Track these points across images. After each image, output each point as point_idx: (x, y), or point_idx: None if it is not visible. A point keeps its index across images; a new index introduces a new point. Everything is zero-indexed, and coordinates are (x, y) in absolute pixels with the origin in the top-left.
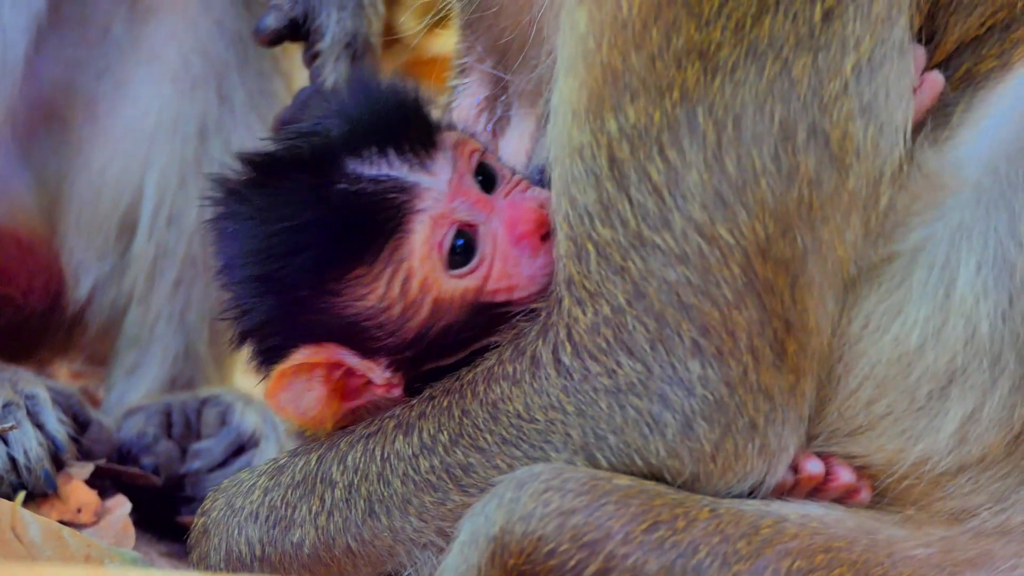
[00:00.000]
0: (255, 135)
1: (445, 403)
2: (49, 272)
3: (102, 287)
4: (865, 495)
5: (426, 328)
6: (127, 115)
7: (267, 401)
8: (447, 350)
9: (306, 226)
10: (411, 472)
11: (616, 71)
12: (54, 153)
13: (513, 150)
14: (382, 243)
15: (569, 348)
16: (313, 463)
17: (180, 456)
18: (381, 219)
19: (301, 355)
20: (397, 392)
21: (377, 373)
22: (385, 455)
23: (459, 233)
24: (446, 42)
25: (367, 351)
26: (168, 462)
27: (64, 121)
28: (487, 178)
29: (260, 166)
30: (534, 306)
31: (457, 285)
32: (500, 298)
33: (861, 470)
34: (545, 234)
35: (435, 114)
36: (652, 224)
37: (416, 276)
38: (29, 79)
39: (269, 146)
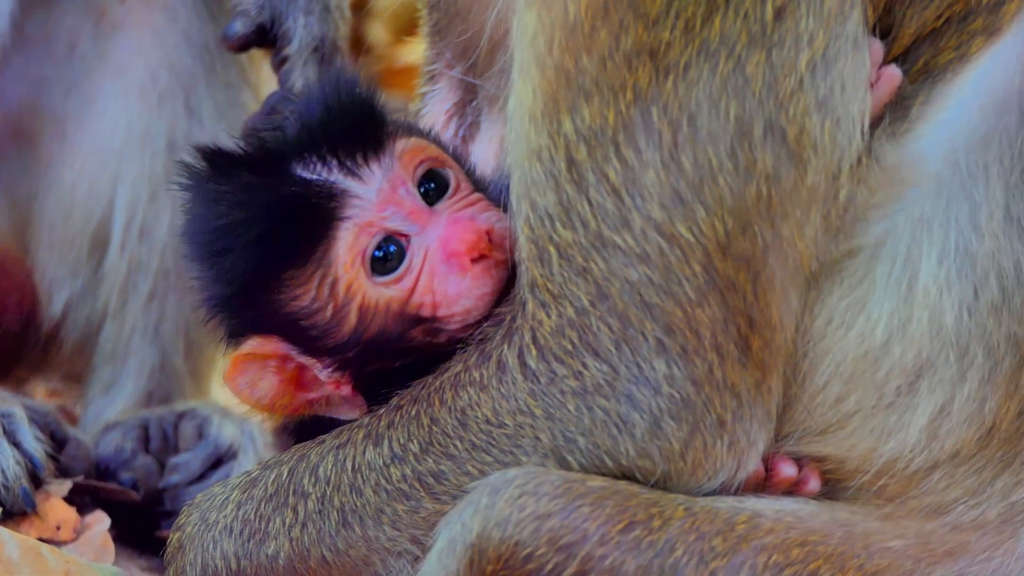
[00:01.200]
0: None
1: (413, 411)
2: (22, 291)
3: (76, 303)
4: (814, 484)
5: (358, 332)
6: (96, 131)
7: (224, 383)
8: (387, 355)
9: (243, 223)
10: (383, 482)
11: (569, 73)
12: (23, 171)
13: (483, 155)
14: (311, 247)
15: (535, 351)
16: (285, 475)
17: (158, 470)
18: (310, 223)
19: (250, 345)
20: (347, 390)
21: (321, 370)
22: (356, 466)
23: (389, 240)
24: (417, 51)
25: (309, 348)
26: (146, 477)
27: (32, 139)
28: (440, 189)
29: (212, 160)
30: (499, 310)
31: (382, 293)
32: (426, 312)
33: (834, 469)
34: (479, 256)
35: (390, 119)
36: (612, 224)
37: (342, 281)
38: None
39: (227, 142)
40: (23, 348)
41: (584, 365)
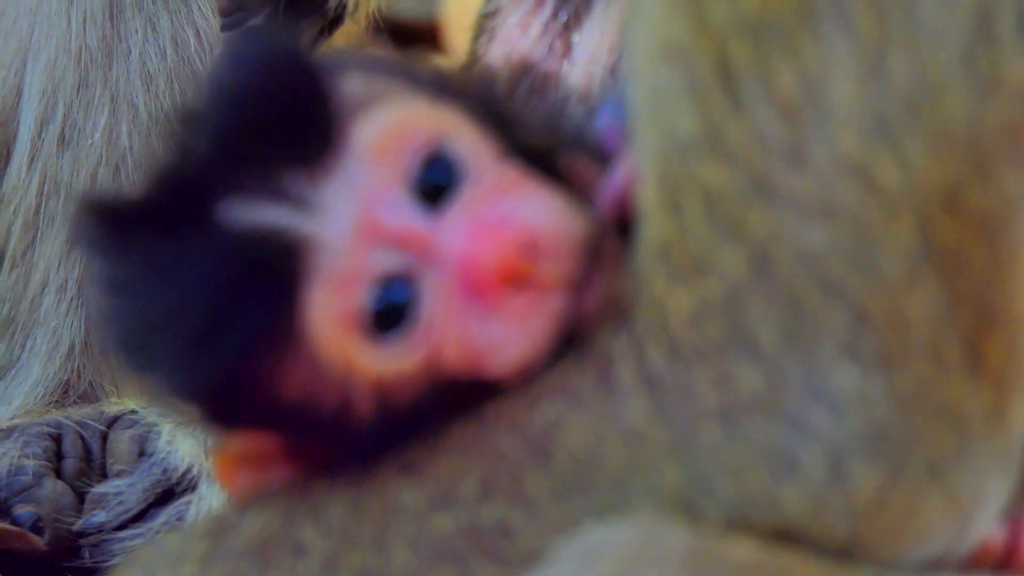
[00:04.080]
0: (191, 13)
1: (468, 435)
2: None
3: None
4: None
5: (379, 418)
6: None
7: (223, 487)
8: (428, 424)
9: (171, 314)
10: (422, 534)
11: None
12: None
13: (592, 54)
14: (275, 327)
15: (660, 348)
16: (276, 521)
17: (75, 504)
18: (264, 295)
19: (240, 444)
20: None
21: (336, 455)
22: (384, 510)
23: (385, 287)
24: None
25: (320, 438)
26: (56, 513)
27: None
28: (450, 174)
29: (108, 223)
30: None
31: (392, 363)
32: (462, 375)
33: None
34: (518, 278)
35: (346, 89)
36: (782, 161)
37: (333, 361)
38: None
39: (124, 191)
40: None
41: (734, 370)
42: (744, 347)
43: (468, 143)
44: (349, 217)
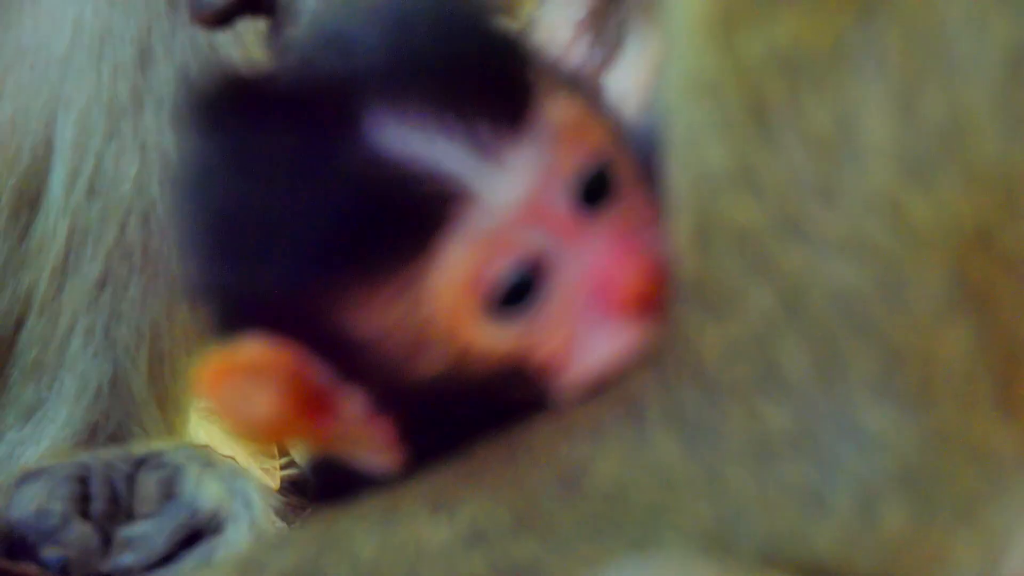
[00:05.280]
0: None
1: (500, 472)
2: None
3: None
4: None
5: (441, 382)
6: (27, 30)
7: (201, 390)
8: (463, 408)
9: (291, 210)
10: (455, 571)
11: None
12: None
13: (626, 89)
14: (398, 262)
15: (691, 385)
16: (307, 562)
17: (102, 546)
18: (403, 228)
19: (257, 348)
20: (386, 434)
21: (354, 400)
22: (415, 548)
23: (524, 267)
24: None
25: (350, 374)
26: (83, 556)
27: None
28: (599, 189)
29: (237, 98)
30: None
31: (496, 340)
32: (546, 372)
33: None
34: (642, 302)
35: (541, 67)
36: (814, 198)
37: (439, 317)
38: None
39: (267, 66)
40: None
41: (764, 408)
42: (775, 385)
43: (621, 159)
44: (524, 187)
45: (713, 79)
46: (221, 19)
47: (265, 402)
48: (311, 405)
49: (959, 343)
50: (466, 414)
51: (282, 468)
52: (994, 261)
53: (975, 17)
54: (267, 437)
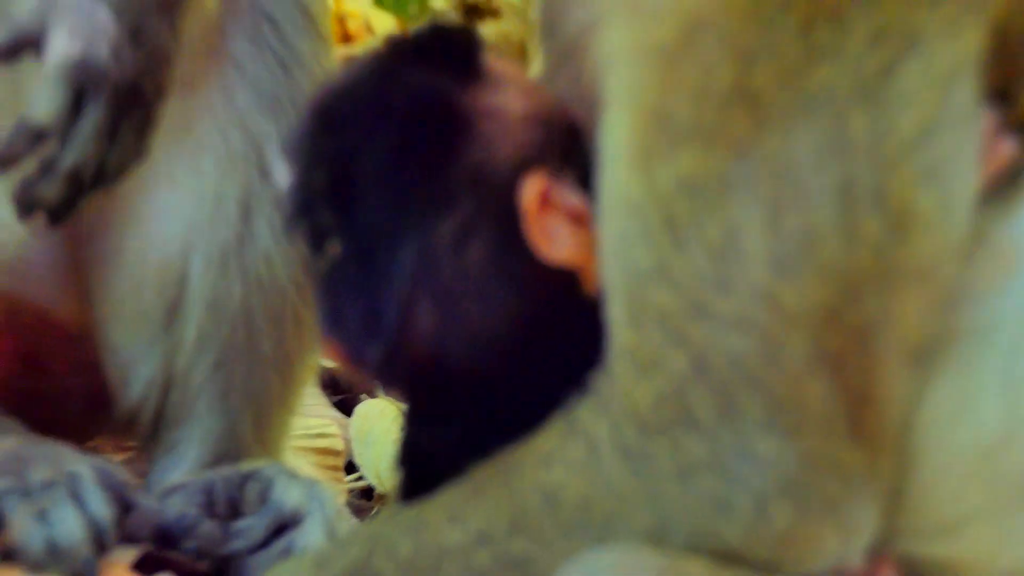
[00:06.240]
0: None
1: (498, 491)
2: (92, 369)
3: (151, 382)
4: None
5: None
6: (164, 196)
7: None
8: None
9: None
10: (467, 565)
11: (661, 114)
12: (89, 237)
13: None
14: None
15: (629, 426)
16: (360, 555)
17: (222, 537)
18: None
19: (535, 186)
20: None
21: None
22: (439, 548)
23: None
24: None
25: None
26: (210, 544)
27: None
28: None
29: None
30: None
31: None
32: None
33: (952, 572)
34: None
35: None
36: (712, 289)
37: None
38: None
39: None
40: (92, 422)
41: (683, 441)
42: (690, 424)
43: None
44: None
45: (637, 199)
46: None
47: (565, 231)
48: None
49: (821, 390)
50: None
51: (352, 481)
52: (842, 332)
53: (820, 157)
54: (588, 265)
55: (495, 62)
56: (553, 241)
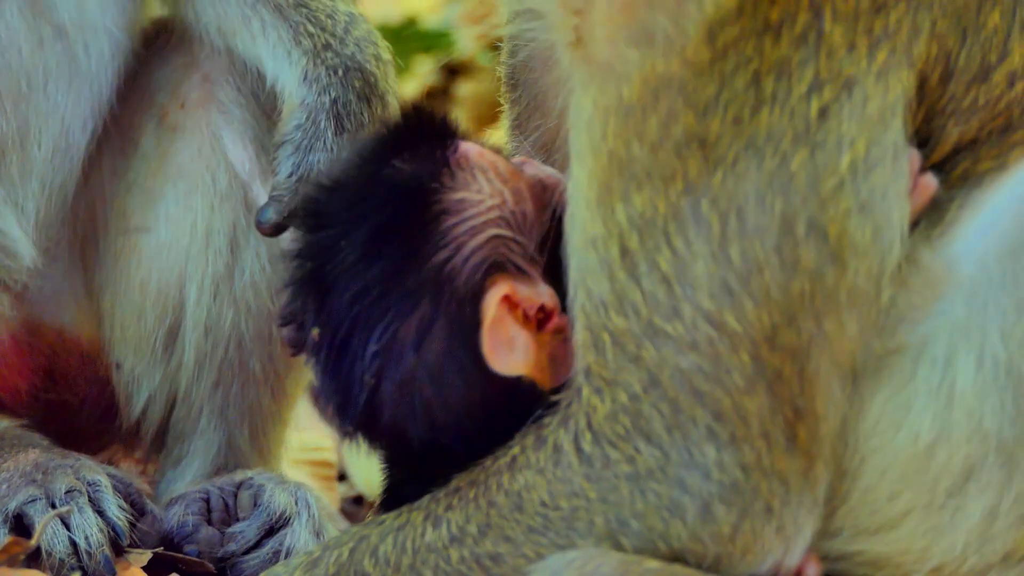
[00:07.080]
0: (279, 242)
1: (471, 494)
2: (104, 383)
3: (154, 398)
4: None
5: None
6: (161, 231)
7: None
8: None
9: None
10: (442, 563)
11: (621, 160)
12: (96, 262)
13: None
14: None
15: (589, 436)
16: (346, 556)
17: (219, 540)
18: None
19: (495, 295)
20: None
21: (543, 290)
22: (416, 547)
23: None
24: (498, 139)
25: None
26: (209, 548)
27: (97, 229)
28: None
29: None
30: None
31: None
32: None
33: (888, 569)
34: None
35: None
36: (663, 313)
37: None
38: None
39: None
40: (104, 434)
41: (637, 450)
42: (643, 435)
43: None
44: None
45: (597, 234)
46: (274, 233)
47: (521, 339)
48: (534, 319)
49: (761, 405)
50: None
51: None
52: (781, 352)
53: (763, 194)
54: (540, 373)
55: (472, 146)
56: (509, 352)
